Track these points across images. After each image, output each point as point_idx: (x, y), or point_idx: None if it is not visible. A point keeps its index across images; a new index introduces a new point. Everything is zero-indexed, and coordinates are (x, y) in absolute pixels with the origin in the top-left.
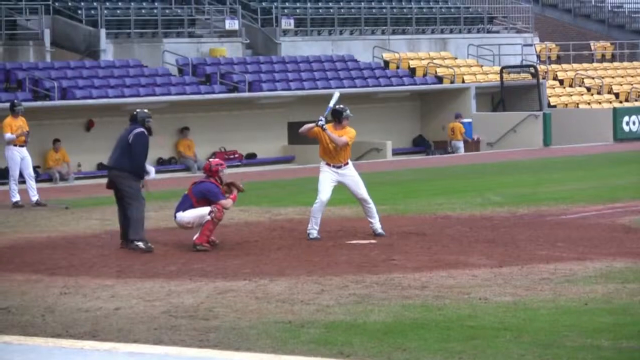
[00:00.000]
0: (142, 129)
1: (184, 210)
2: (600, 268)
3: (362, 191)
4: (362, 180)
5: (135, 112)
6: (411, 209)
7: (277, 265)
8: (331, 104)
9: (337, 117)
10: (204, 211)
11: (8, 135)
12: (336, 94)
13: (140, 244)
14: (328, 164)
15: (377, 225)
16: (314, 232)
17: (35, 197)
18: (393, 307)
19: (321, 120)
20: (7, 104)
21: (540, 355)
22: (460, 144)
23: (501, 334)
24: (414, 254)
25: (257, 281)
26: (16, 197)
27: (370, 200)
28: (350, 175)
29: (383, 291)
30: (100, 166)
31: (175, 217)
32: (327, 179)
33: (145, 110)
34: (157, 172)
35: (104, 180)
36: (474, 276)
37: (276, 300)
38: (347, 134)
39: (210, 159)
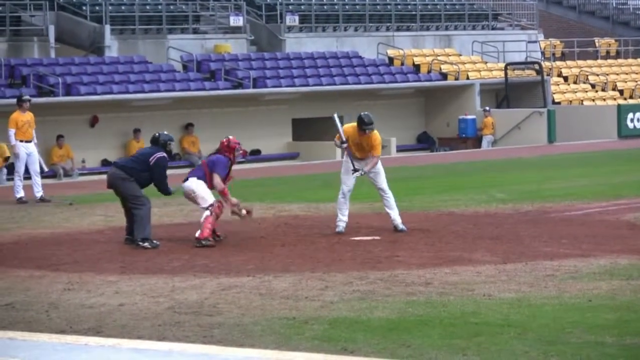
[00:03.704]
0: (163, 154)
1: (194, 177)
2: (604, 265)
3: (381, 180)
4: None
5: (157, 135)
6: (415, 206)
7: (281, 261)
8: (339, 126)
9: (360, 127)
10: (207, 194)
11: (11, 132)
12: (335, 117)
13: (147, 244)
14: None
15: (398, 219)
16: (339, 225)
17: (39, 193)
18: (397, 304)
19: (343, 142)
20: (12, 100)
21: (544, 352)
22: (490, 138)
23: (505, 330)
24: (418, 251)
25: (261, 277)
26: (20, 193)
27: (388, 191)
28: (373, 165)
29: (387, 287)
30: (106, 162)
31: (185, 179)
32: (344, 170)
33: (166, 133)
34: None
35: None
36: (478, 273)
37: (280, 297)
38: (374, 141)
39: (230, 137)
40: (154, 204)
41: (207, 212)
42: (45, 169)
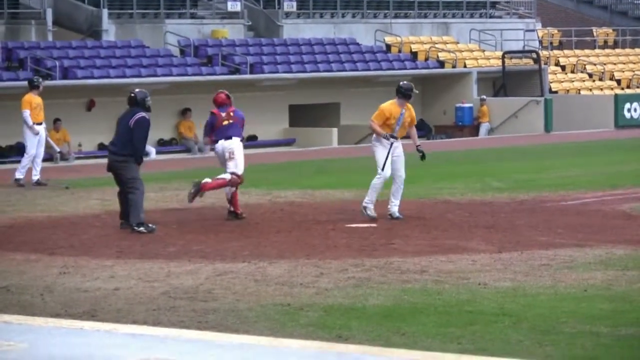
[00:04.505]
0: (143, 114)
1: (238, 137)
2: (599, 255)
3: (404, 168)
4: (374, 163)
5: (133, 94)
6: (411, 194)
7: (276, 248)
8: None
9: (406, 95)
10: (241, 163)
11: (25, 112)
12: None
13: (142, 229)
14: (386, 137)
15: (396, 208)
16: (372, 208)
17: (36, 177)
18: (392, 291)
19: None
20: (8, 83)
21: (538, 341)
22: (488, 125)
23: (500, 319)
24: (414, 239)
25: (257, 263)
26: (22, 175)
27: (403, 181)
28: (400, 149)
29: (382, 275)
30: (102, 146)
31: (218, 142)
32: (385, 153)
33: (142, 90)
34: (157, 153)
35: (104, 161)
36: (473, 261)
37: (275, 283)
38: (413, 111)
39: (222, 92)
40: (150, 189)
41: (228, 176)
42: (57, 149)
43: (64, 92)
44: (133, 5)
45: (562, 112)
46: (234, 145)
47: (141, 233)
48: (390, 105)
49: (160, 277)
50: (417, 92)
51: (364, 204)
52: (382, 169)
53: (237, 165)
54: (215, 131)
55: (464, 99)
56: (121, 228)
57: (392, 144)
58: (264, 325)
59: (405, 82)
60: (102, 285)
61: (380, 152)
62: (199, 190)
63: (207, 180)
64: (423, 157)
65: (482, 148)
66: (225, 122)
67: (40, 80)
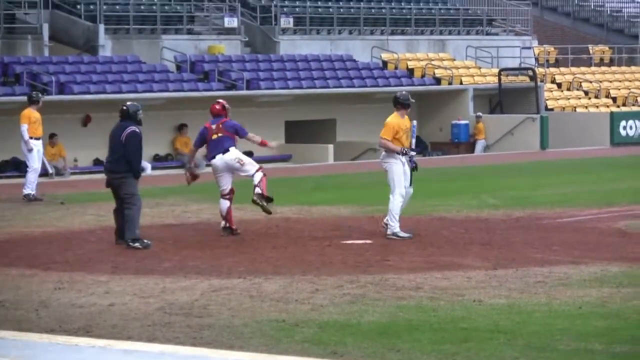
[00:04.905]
0: (134, 128)
1: (232, 147)
2: (595, 272)
3: (410, 184)
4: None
5: (125, 107)
6: (407, 210)
7: (272, 264)
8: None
9: (405, 105)
10: (252, 160)
11: (23, 127)
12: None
13: (137, 244)
14: (401, 153)
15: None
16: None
17: (33, 192)
18: (387, 308)
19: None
20: (4, 98)
21: (533, 359)
22: (484, 142)
23: (495, 336)
24: (409, 255)
25: (252, 279)
26: (28, 190)
27: (410, 197)
28: (406, 164)
29: (377, 291)
30: (98, 161)
31: (214, 157)
32: (401, 170)
33: (134, 103)
34: (153, 168)
35: (100, 176)
36: (468, 278)
37: (270, 299)
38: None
39: (218, 102)
40: (145, 205)
41: (261, 174)
42: (50, 170)
43: (60, 107)
44: (130, 20)
45: (558, 130)
46: (236, 154)
47: (136, 249)
48: (395, 119)
49: (156, 293)
50: (413, 101)
51: (393, 232)
52: (410, 185)
53: (252, 164)
54: (207, 147)
55: (460, 115)
56: (116, 244)
57: (410, 157)
58: (259, 342)
59: (400, 92)
60: (97, 301)
61: (395, 169)
62: (262, 195)
63: (258, 189)
64: (415, 168)
65: (478, 165)
66: (215, 136)
67: (40, 95)
